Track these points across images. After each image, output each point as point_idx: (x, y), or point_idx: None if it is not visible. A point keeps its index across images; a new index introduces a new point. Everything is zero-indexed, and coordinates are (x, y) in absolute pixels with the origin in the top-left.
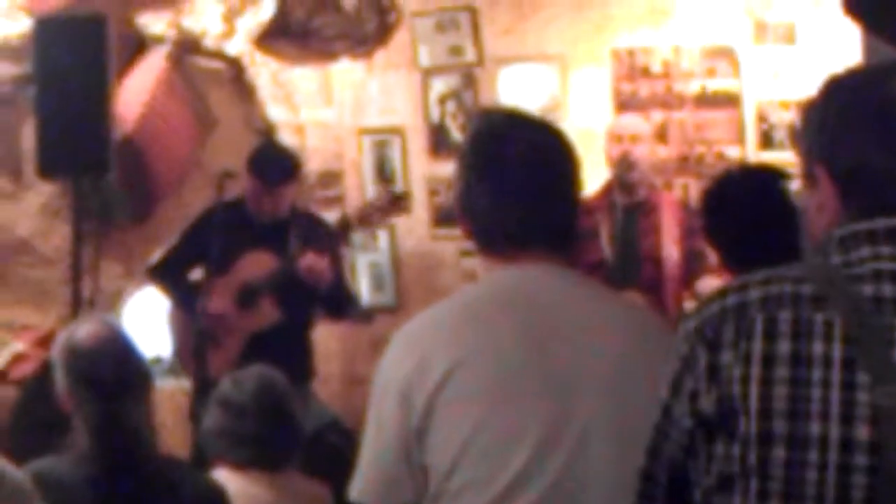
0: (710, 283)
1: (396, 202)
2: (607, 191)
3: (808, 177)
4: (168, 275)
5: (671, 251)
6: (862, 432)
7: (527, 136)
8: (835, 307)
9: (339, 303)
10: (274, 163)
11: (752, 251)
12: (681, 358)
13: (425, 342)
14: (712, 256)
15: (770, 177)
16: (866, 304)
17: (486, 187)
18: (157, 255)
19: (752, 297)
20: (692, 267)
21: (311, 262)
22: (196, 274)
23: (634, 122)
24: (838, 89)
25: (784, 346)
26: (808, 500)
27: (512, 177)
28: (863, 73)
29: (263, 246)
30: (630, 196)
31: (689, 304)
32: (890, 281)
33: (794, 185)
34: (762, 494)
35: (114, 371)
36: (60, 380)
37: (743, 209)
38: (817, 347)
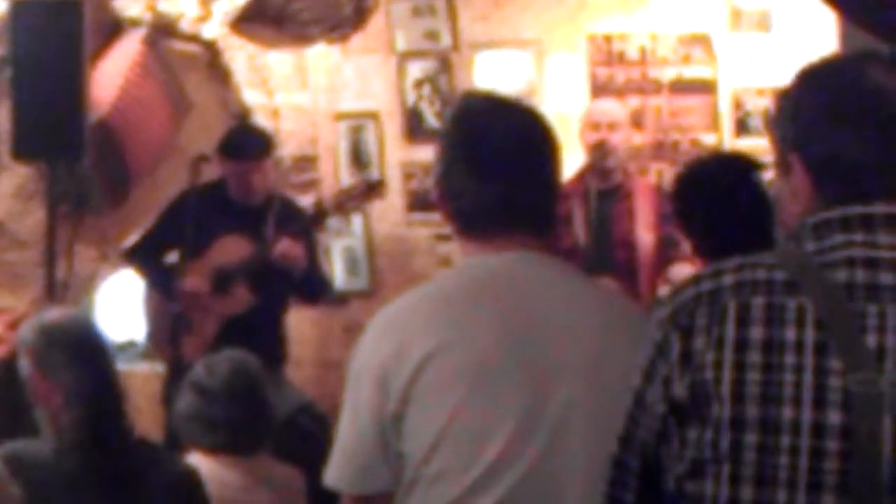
0: (682, 270)
1: (371, 189)
2: (581, 176)
3: (782, 165)
4: (144, 258)
5: (645, 237)
6: (834, 417)
7: (508, 120)
8: (808, 293)
9: (313, 288)
10: (245, 140)
11: (723, 239)
12: (654, 344)
13: (403, 328)
14: (687, 243)
15: (742, 165)
16: (839, 290)
17: (465, 170)
18: (132, 238)
19: (725, 283)
20: (666, 253)
21: (286, 248)
22: (172, 257)
23: (612, 109)
24: (813, 78)
25: (757, 332)
26: (780, 484)
27: (492, 160)
28: (837, 62)
29: (239, 230)
30: (605, 182)
31: (662, 290)
32: (863, 267)
33: (768, 175)
34: (734, 479)
35: (96, 337)
36: (30, 365)
37: (714, 197)
38: (790, 333)
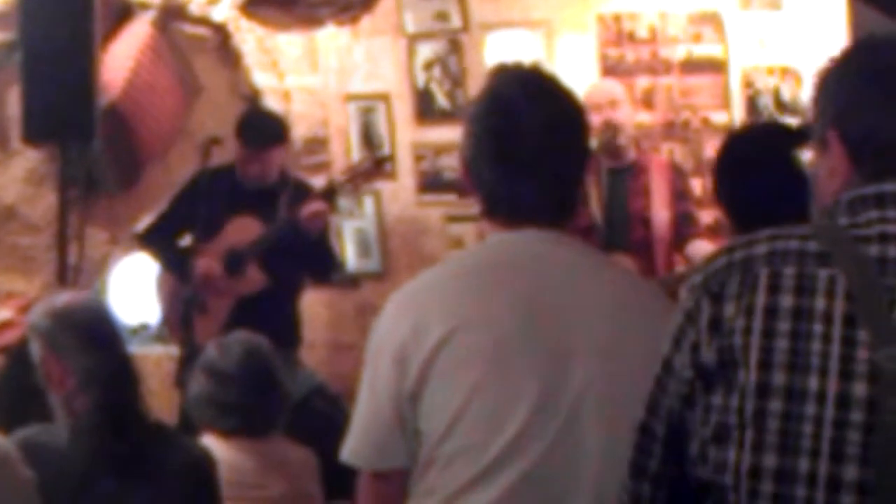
0: (700, 247)
1: (380, 164)
2: (595, 155)
3: (820, 142)
4: (158, 240)
5: (661, 213)
6: (859, 389)
7: (541, 107)
8: (839, 265)
9: (325, 264)
10: (261, 127)
11: (757, 213)
12: (684, 311)
13: (422, 306)
14: (703, 218)
15: (780, 139)
16: (871, 264)
17: (497, 159)
18: (144, 221)
19: (757, 252)
20: (683, 230)
21: (314, 207)
22: (186, 240)
23: (609, 87)
24: (851, 55)
25: (787, 300)
26: (802, 453)
27: (525, 150)
28: (879, 41)
29: (252, 212)
30: (618, 160)
31: (679, 268)
32: (895, 243)
33: (806, 154)
34: (757, 446)
35: (108, 319)
36: (42, 349)
37: (748, 169)
38: (820, 303)
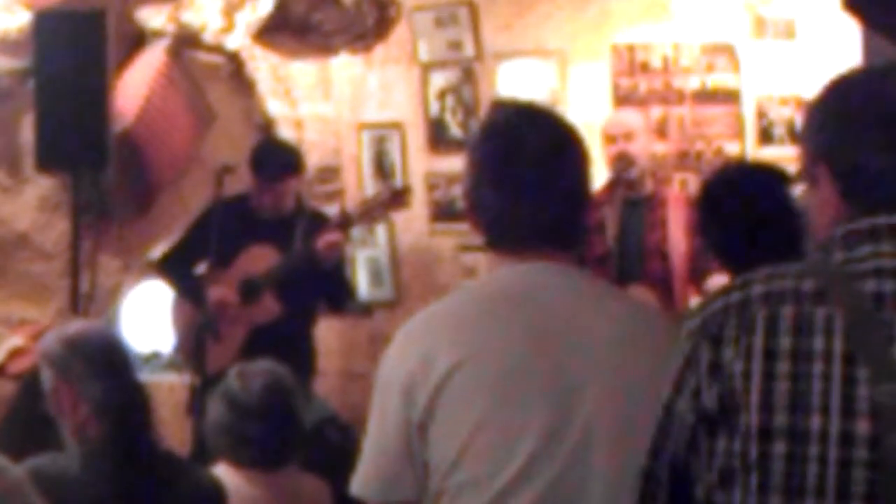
0: (719, 282)
1: (397, 197)
2: (612, 186)
3: (810, 176)
4: (173, 268)
5: (678, 246)
6: (862, 427)
7: (538, 136)
8: (836, 302)
9: (340, 294)
10: (275, 158)
11: (748, 254)
12: (684, 355)
13: (429, 338)
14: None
15: (767, 178)
16: (867, 300)
17: (497, 187)
18: (159, 249)
19: (754, 294)
20: (700, 263)
21: (330, 238)
22: (201, 268)
23: (626, 119)
24: (839, 89)
25: (785, 342)
26: (808, 493)
27: (524, 178)
28: (864, 73)
29: (268, 241)
30: (634, 191)
31: (698, 302)
32: (891, 278)
33: (798, 189)
34: (763, 489)
35: (119, 348)
36: (53, 378)
37: (737, 214)
38: (818, 342)
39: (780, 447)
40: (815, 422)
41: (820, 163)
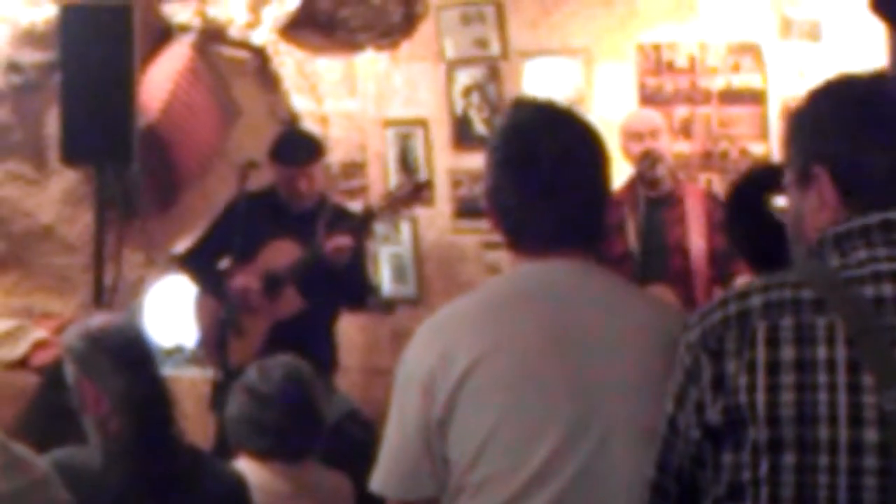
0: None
1: (419, 190)
2: (632, 184)
3: (801, 179)
4: (198, 263)
5: (698, 242)
6: (870, 434)
7: (558, 135)
8: (836, 310)
9: (360, 291)
10: (295, 145)
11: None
12: (684, 369)
13: (449, 335)
14: None
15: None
16: (868, 305)
17: (516, 186)
18: (184, 244)
19: (753, 305)
20: (722, 260)
21: (339, 241)
22: (225, 263)
23: (651, 117)
24: (828, 93)
25: (788, 353)
26: (819, 503)
27: (543, 177)
28: (855, 78)
29: (290, 235)
30: (656, 189)
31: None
32: (889, 281)
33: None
34: (774, 500)
35: (142, 342)
36: (76, 371)
37: (765, 214)
38: (821, 352)
39: (789, 459)
40: (824, 432)
41: (818, 164)
